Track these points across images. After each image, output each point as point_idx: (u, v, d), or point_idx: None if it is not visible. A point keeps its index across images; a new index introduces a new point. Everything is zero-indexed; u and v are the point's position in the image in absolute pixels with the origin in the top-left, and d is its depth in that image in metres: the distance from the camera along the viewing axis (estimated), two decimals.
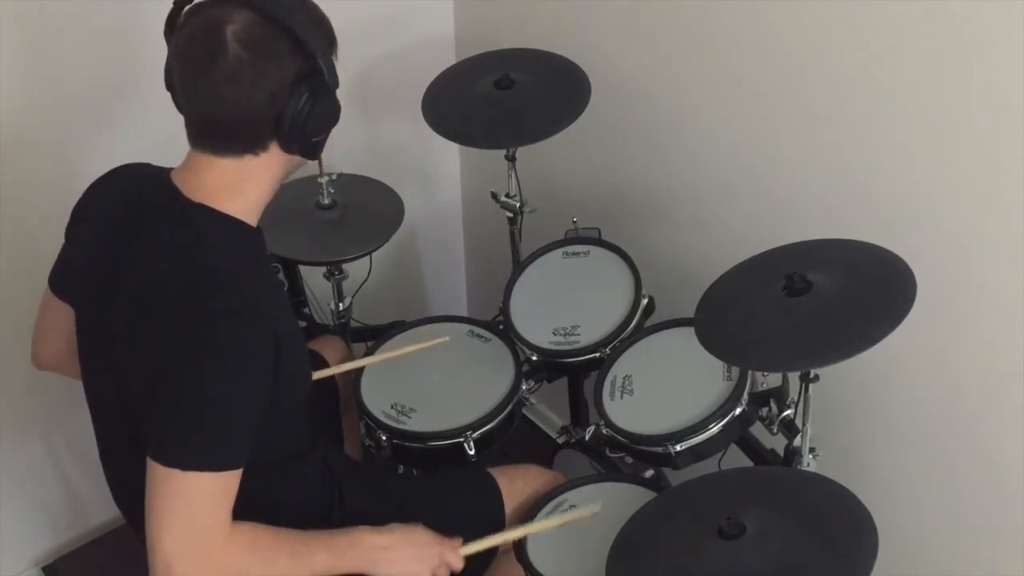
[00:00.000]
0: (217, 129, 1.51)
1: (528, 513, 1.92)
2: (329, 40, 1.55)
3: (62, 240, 1.70)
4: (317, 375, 2.06)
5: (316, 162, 2.18)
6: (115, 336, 1.58)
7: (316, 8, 1.56)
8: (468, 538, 1.79)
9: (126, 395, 1.59)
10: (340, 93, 1.54)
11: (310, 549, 1.61)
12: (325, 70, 1.48)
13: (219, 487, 1.49)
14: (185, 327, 1.48)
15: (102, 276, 1.61)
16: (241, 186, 1.55)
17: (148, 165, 1.67)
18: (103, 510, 2.48)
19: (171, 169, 1.60)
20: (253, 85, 1.46)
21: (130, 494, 1.66)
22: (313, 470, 1.81)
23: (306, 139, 1.52)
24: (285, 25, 1.45)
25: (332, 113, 1.54)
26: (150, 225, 1.57)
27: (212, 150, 1.53)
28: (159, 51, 1.55)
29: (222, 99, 1.47)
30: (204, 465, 1.47)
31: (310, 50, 1.47)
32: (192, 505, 1.47)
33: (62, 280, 1.71)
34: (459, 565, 1.75)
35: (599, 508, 1.84)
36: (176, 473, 1.46)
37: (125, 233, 1.60)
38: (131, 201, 1.62)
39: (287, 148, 1.53)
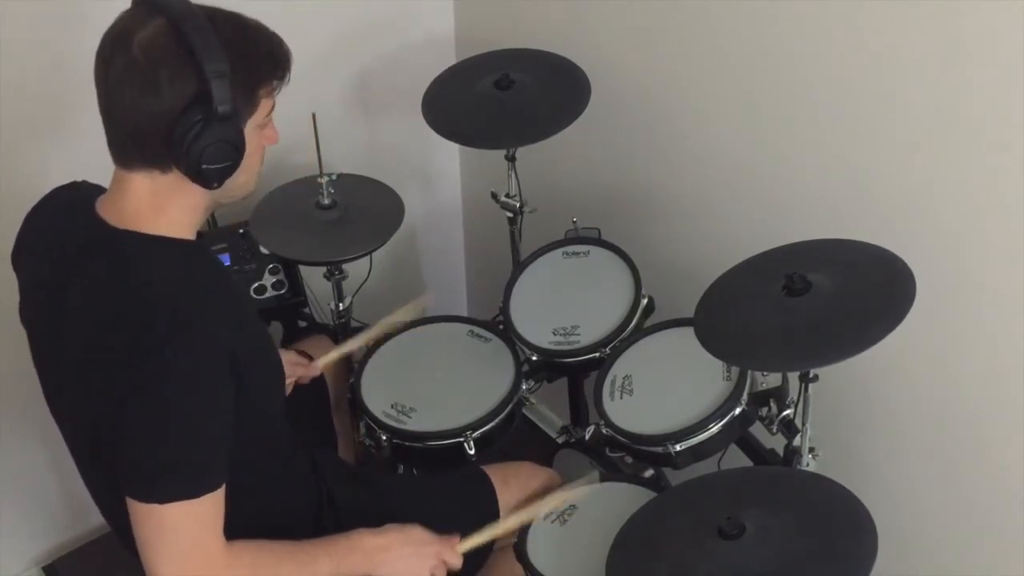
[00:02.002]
0: (116, 134, 1.48)
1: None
2: (265, 71, 1.49)
3: None
4: (322, 361, 2.07)
5: (316, 162, 2.20)
6: (67, 370, 1.56)
7: (259, 36, 1.50)
8: (464, 536, 1.78)
9: (87, 426, 1.57)
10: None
11: (313, 558, 1.60)
12: (215, 97, 1.41)
13: (203, 511, 1.47)
14: (130, 360, 1.44)
15: (46, 310, 1.58)
16: (162, 206, 1.51)
17: (83, 187, 1.64)
18: None
19: (101, 194, 1.57)
20: (143, 93, 1.41)
21: (110, 506, 1.64)
22: (300, 472, 1.80)
23: (195, 164, 1.45)
24: (188, 42, 1.40)
25: (227, 143, 1.46)
26: (81, 259, 1.54)
27: (119, 162, 1.50)
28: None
29: (117, 102, 1.44)
30: (182, 495, 1.45)
31: (205, 73, 1.40)
32: (180, 535, 1.46)
33: (21, 311, 1.68)
34: (457, 563, 1.75)
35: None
36: (156, 508, 1.44)
37: (60, 265, 1.57)
38: (64, 231, 1.58)
39: (181, 170, 1.47)
